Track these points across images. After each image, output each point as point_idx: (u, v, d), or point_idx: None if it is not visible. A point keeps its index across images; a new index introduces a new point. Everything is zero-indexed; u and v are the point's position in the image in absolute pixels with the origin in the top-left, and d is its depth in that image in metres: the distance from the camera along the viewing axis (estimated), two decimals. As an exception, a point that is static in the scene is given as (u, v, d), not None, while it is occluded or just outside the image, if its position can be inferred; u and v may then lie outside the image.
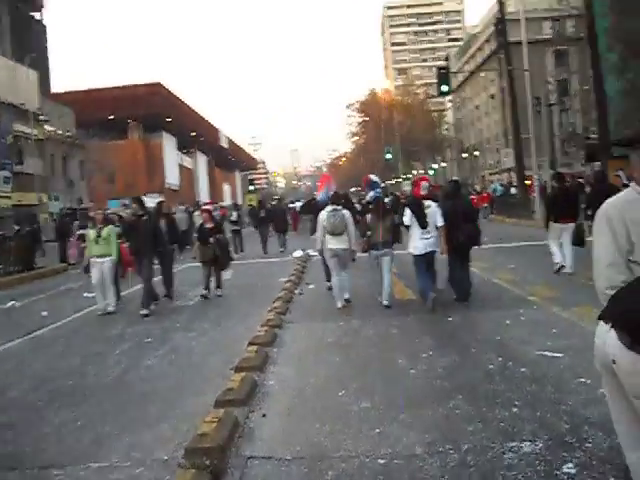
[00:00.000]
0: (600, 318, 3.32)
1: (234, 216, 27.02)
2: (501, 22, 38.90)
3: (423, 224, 10.77)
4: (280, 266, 19.46)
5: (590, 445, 4.88)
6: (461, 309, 10.90)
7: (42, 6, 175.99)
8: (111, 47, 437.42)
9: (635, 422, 3.30)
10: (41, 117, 70.53)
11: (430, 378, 7.14)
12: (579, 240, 13.33)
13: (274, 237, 26.68)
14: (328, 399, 6.60)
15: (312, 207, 16.54)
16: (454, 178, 39.41)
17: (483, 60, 79.75)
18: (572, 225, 13.65)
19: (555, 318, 9.71)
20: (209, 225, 14.88)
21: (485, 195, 42.68)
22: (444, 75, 31.90)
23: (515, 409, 5.86)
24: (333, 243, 11.69)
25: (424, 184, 11.86)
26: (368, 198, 14.77)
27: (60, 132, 73.19)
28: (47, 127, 71.71)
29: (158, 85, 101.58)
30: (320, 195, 15.64)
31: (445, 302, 11.21)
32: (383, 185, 21.53)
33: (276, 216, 26.95)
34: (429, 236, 10.85)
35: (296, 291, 13.68)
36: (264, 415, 6.22)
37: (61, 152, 71.44)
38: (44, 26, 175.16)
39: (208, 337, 10.26)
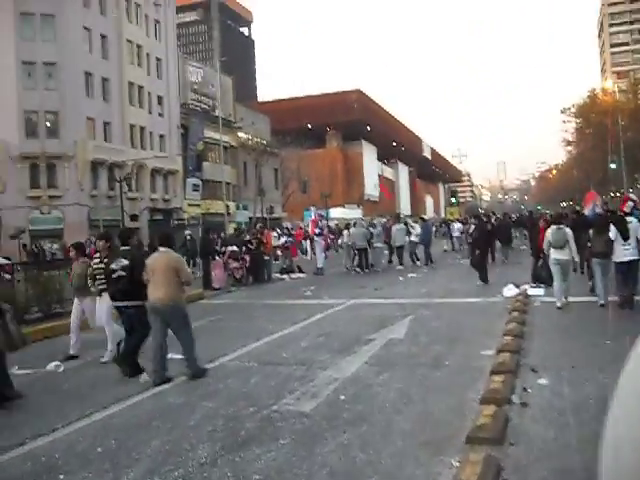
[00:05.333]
0: None
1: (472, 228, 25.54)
2: None
3: (625, 236, 12.34)
4: (483, 314, 12.84)
5: None
6: None
7: (251, 22, 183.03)
8: (312, 58, 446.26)
9: None
10: (235, 124, 68.40)
11: None
12: None
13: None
14: None
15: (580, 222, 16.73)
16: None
17: None
18: None
19: None
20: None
21: None
22: None
23: None
24: (556, 254, 13.37)
25: (629, 203, 15.49)
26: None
27: (255, 139, 70.38)
28: (241, 134, 69.27)
29: (358, 92, 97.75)
30: (588, 211, 17.68)
31: None
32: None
33: (501, 229, 27.98)
34: (629, 247, 12.35)
35: (513, 397, 6.86)
36: None
37: (254, 160, 68.32)
38: (252, 40, 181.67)
39: None
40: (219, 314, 14.97)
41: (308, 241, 28.47)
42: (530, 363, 8.17)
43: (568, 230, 13.66)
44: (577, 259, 13.95)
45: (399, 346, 9.88)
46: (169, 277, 8.68)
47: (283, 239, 26.98)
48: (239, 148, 68.60)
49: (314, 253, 27.78)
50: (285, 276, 24.78)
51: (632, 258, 12.34)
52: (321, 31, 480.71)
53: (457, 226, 35.99)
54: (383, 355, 9.32)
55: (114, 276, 9.28)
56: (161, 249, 9.02)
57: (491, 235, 26.89)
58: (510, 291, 15.48)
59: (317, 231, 27.41)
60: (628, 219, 12.79)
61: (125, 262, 9.23)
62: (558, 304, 13.20)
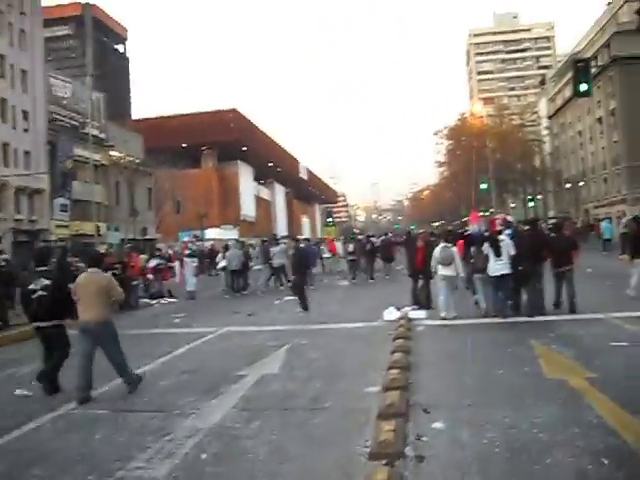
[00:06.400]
0: None
1: (350, 247, 29.10)
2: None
3: (498, 253, 13.58)
4: (365, 342, 11.88)
5: None
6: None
7: (125, 39, 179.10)
8: (190, 77, 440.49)
9: None
10: (106, 142, 65.82)
11: None
12: None
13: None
14: None
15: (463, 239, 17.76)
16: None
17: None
18: None
19: None
20: None
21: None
22: (583, 69, 23.77)
23: None
24: (443, 271, 14.53)
25: (498, 222, 17.65)
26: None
27: (128, 158, 68.00)
28: (113, 152, 66.67)
29: (233, 111, 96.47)
30: (472, 229, 18.23)
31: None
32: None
33: (383, 248, 29.48)
34: (502, 263, 13.54)
35: (406, 449, 5.61)
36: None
37: (126, 179, 65.80)
38: (127, 58, 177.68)
39: None
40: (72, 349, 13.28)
41: (177, 263, 26.67)
42: (421, 402, 7.23)
43: (454, 248, 14.92)
44: (462, 274, 15.10)
45: (273, 384, 8.74)
46: (101, 297, 8.86)
47: (155, 261, 25.26)
48: (111, 167, 65.99)
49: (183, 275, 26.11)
50: (155, 302, 23.19)
51: (504, 272, 13.52)
52: (198, 50, 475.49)
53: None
54: (254, 396, 8.14)
55: (34, 296, 9.25)
56: (90, 270, 9.16)
57: (372, 254, 28.63)
58: (391, 314, 14.73)
59: (188, 252, 25.87)
60: (500, 237, 14.08)
61: (46, 282, 9.28)
62: (444, 314, 14.15)
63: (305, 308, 17.83)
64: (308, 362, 10.10)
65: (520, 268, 13.68)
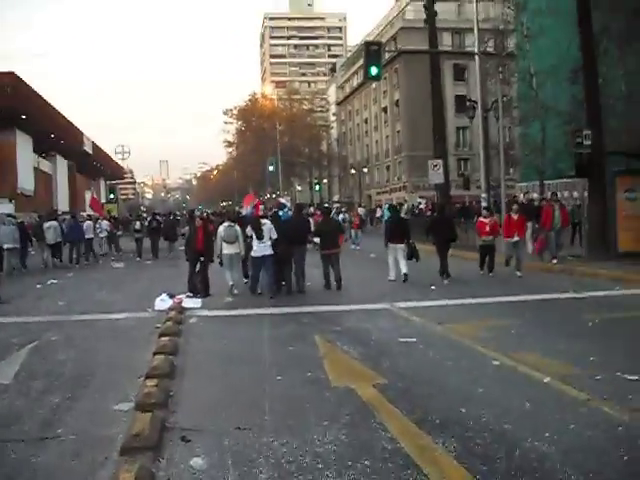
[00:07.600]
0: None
1: (137, 225, 29.67)
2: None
3: (259, 236, 14.55)
4: (127, 339, 10.17)
5: None
6: None
7: None
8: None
9: None
10: None
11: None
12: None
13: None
14: None
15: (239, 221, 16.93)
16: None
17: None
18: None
19: None
20: None
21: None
22: (374, 53, 23.35)
23: None
24: (228, 249, 15.19)
25: (261, 207, 19.13)
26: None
27: None
28: None
29: (12, 75, 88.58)
30: (245, 211, 19.06)
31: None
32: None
33: (167, 227, 29.71)
34: (264, 245, 14.60)
35: None
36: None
37: None
38: None
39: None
40: None
41: None
42: (182, 424, 5.77)
43: (238, 227, 15.33)
44: (243, 253, 15.46)
45: (-1, 398, 6.89)
46: None
47: None
48: None
49: None
50: None
51: (265, 253, 14.60)
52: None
53: (104, 225, 31.31)
54: (-33, 418, 6.27)
55: None
56: None
57: (156, 232, 29.07)
58: (163, 302, 13.18)
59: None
60: (263, 221, 15.07)
61: None
62: (236, 291, 15.33)
63: None
64: (52, 366, 8.20)
65: (277, 251, 14.70)
